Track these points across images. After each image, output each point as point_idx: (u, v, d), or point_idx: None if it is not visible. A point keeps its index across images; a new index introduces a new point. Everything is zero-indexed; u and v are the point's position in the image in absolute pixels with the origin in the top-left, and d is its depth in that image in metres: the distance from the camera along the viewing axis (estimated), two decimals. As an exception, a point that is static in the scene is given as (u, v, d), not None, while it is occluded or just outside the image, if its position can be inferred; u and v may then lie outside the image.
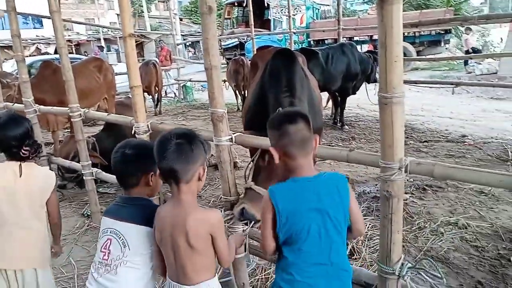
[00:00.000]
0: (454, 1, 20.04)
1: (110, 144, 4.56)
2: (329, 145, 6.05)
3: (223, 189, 2.41)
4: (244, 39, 18.12)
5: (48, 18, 3.66)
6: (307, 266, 1.56)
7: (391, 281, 1.68)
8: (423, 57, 14.82)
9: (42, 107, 4.25)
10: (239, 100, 9.84)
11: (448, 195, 4.14)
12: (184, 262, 1.58)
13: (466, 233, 3.36)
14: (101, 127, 5.48)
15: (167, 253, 1.62)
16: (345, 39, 11.95)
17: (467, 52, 13.81)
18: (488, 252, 3.09)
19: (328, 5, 22.84)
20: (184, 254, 1.58)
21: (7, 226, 2.09)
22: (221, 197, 2.48)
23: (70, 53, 20.35)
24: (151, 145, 1.68)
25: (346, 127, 7.36)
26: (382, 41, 1.47)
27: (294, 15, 16.04)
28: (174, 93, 13.41)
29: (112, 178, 3.74)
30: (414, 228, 3.48)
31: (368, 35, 15.67)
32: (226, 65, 10.55)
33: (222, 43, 20.13)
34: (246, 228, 2.43)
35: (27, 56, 13.27)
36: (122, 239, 1.73)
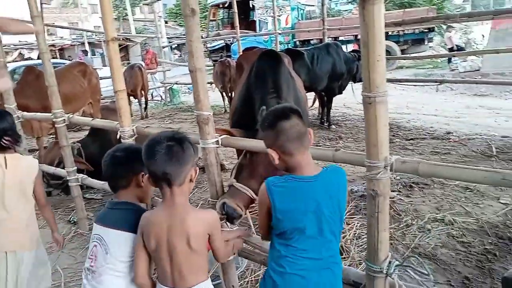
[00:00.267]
0: (437, 0, 20.31)
1: (96, 149, 4.51)
2: (317, 145, 6.04)
3: (210, 192, 2.41)
4: (230, 40, 18.14)
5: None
6: (299, 260, 1.57)
7: (379, 280, 1.69)
8: (408, 55, 14.98)
9: (25, 113, 4.18)
10: (226, 102, 9.83)
11: (435, 191, 4.19)
12: (181, 265, 1.57)
13: (453, 229, 3.40)
14: (87, 132, 5.41)
15: (162, 259, 1.59)
16: (330, 39, 12.03)
17: (450, 49, 14.01)
18: (474, 248, 3.12)
19: (312, 5, 22.95)
20: (182, 257, 1.56)
21: None
22: (209, 200, 2.47)
23: (53, 58, 20.16)
24: (141, 148, 1.67)
25: (333, 126, 7.39)
26: (365, 41, 1.47)
27: (279, 16, 16.10)
28: (161, 96, 13.33)
29: (98, 183, 3.70)
30: (402, 225, 3.51)
31: (353, 35, 15.76)
32: (212, 67, 10.51)
33: (208, 45, 20.10)
34: (233, 229, 2.43)
35: (9, 62, 13.10)
36: (105, 245, 1.72)
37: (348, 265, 2.82)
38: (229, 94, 9.43)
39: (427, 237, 3.30)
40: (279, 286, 1.59)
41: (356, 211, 3.82)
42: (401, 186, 4.37)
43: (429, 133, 6.56)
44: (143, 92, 10.18)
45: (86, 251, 3.54)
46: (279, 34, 10.31)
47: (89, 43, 25.54)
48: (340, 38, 15.54)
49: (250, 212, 2.85)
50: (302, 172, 1.57)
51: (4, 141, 2.25)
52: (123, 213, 1.77)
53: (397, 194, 4.15)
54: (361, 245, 3.18)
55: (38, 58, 3.75)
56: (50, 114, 3.69)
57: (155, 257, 1.62)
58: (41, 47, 3.49)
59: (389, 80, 7.37)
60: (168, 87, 12.58)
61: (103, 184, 3.63)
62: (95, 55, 27.35)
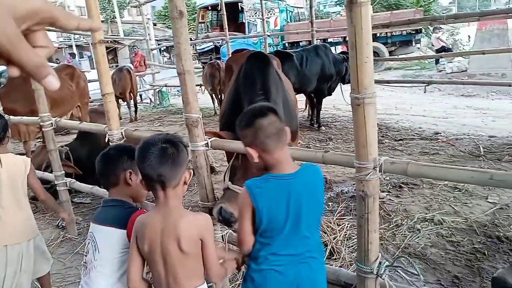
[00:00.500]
0: (424, 1, 20.55)
1: (84, 153, 4.46)
2: (307, 147, 6.08)
3: (200, 195, 2.39)
4: (219, 42, 18.11)
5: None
6: (276, 256, 1.59)
7: (370, 280, 1.70)
8: (396, 57, 15.08)
9: (12, 117, 4.13)
10: (216, 104, 9.81)
11: (424, 192, 4.22)
12: (176, 269, 1.54)
13: (442, 228, 3.42)
14: (75, 136, 5.36)
15: (156, 263, 1.57)
16: (319, 41, 12.12)
17: (438, 51, 14.15)
18: (463, 247, 3.15)
19: (301, 7, 23.09)
20: (176, 261, 1.54)
21: None
22: (199, 203, 2.45)
23: (41, 60, 19.96)
24: (133, 147, 1.70)
25: (323, 128, 7.41)
26: (352, 43, 1.48)
27: (268, 18, 16.13)
28: (150, 99, 13.26)
29: (87, 187, 3.66)
30: (392, 225, 3.53)
31: (341, 37, 15.85)
32: (201, 69, 10.49)
33: (197, 47, 20.07)
34: (227, 233, 2.42)
35: (-5, 65, 12.92)
36: (95, 242, 1.77)
37: (339, 266, 2.82)
38: (219, 96, 9.42)
39: (417, 237, 3.32)
40: (258, 284, 1.59)
41: (346, 212, 3.83)
42: (391, 187, 4.40)
43: (417, 134, 6.61)
44: (131, 94, 10.11)
45: (75, 256, 3.53)
46: (268, 36, 10.33)
47: (76, 45, 25.35)
48: (329, 40, 15.68)
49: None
50: (281, 169, 1.58)
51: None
52: (111, 209, 1.83)
53: (387, 195, 4.17)
54: (352, 246, 3.19)
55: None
56: (37, 117, 3.64)
57: (149, 260, 1.60)
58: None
59: (377, 82, 7.44)
60: (157, 90, 12.52)
61: (92, 188, 3.60)
62: (83, 57, 27.18)
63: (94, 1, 2.70)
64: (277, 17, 18.42)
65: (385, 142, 6.14)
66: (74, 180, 3.86)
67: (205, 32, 20.57)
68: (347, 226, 3.50)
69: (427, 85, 7.65)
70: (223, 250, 2.05)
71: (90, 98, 7.74)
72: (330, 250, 3.13)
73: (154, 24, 28.01)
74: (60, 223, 4.13)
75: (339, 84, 7.64)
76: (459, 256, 3.03)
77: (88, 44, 25.08)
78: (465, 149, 5.50)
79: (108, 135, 2.85)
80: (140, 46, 17.43)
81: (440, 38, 14.79)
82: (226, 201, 2.29)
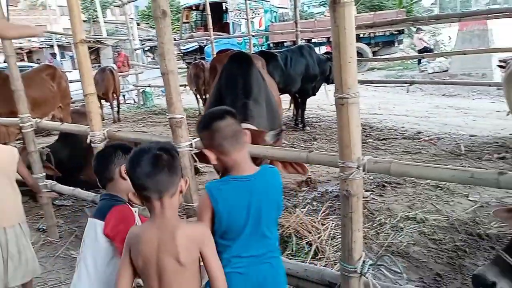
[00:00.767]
0: (406, 3, 20.81)
1: (66, 154, 4.38)
2: (291, 147, 6.10)
3: (184, 196, 2.37)
4: (203, 43, 18.04)
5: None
6: (239, 259, 1.61)
7: (353, 279, 1.71)
8: (379, 57, 15.27)
9: (-9, 118, 4.04)
10: (200, 105, 9.77)
11: (407, 190, 4.27)
12: (171, 284, 1.48)
13: (424, 227, 3.46)
14: (57, 137, 5.27)
15: (149, 277, 1.50)
16: (303, 41, 12.14)
17: (420, 51, 14.35)
18: (445, 245, 3.19)
19: (286, 8, 23.15)
20: (172, 274, 1.47)
21: None
22: (183, 205, 2.43)
23: (21, 60, 19.61)
24: (128, 144, 1.76)
25: (307, 128, 7.44)
26: (336, 43, 1.49)
27: (252, 18, 16.14)
28: (133, 99, 13.13)
29: (68, 190, 3.60)
30: (375, 224, 3.56)
31: (325, 37, 15.95)
32: (186, 70, 10.43)
33: (182, 48, 19.94)
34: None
35: (-26, 65, 12.63)
36: (85, 235, 1.84)
37: (324, 266, 2.84)
38: (203, 97, 9.38)
39: (400, 236, 3.35)
40: None
41: (330, 212, 3.85)
42: (374, 186, 4.43)
43: (400, 133, 6.69)
44: (114, 95, 9.99)
45: (56, 260, 3.46)
46: (253, 36, 10.34)
47: (58, 45, 24.95)
48: (313, 40, 15.75)
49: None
50: (240, 171, 1.61)
51: None
52: (101, 203, 1.89)
53: (371, 194, 4.21)
54: (336, 245, 3.20)
55: (5, 62, 3.63)
56: (17, 118, 3.57)
57: (143, 274, 1.53)
58: (7, 49, 3.37)
59: (361, 82, 7.48)
60: (141, 90, 12.40)
61: (73, 190, 3.54)
62: (64, 57, 26.75)
63: (76, 1, 2.66)
64: (261, 18, 18.42)
65: (369, 141, 6.19)
66: (55, 182, 3.78)
67: (190, 32, 20.47)
68: (331, 226, 3.51)
69: (409, 85, 7.77)
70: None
71: (72, 98, 7.63)
72: (314, 249, 3.14)
73: (138, 24, 27.80)
74: (40, 226, 4.05)
75: (323, 84, 7.69)
76: (441, 254, 3.08)
77: (70, 44, 24.74)
78: (447, 148, 5.58)
79: (90, 136, 2.80)
80: (123, 46, 17.21)
81: (422, 39, 15.01)
82: None
